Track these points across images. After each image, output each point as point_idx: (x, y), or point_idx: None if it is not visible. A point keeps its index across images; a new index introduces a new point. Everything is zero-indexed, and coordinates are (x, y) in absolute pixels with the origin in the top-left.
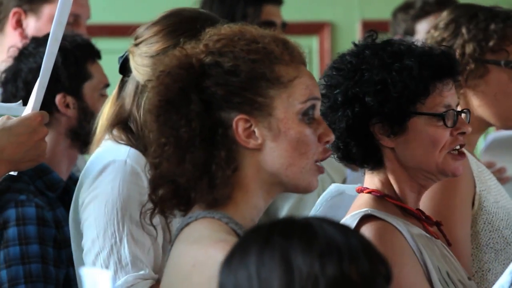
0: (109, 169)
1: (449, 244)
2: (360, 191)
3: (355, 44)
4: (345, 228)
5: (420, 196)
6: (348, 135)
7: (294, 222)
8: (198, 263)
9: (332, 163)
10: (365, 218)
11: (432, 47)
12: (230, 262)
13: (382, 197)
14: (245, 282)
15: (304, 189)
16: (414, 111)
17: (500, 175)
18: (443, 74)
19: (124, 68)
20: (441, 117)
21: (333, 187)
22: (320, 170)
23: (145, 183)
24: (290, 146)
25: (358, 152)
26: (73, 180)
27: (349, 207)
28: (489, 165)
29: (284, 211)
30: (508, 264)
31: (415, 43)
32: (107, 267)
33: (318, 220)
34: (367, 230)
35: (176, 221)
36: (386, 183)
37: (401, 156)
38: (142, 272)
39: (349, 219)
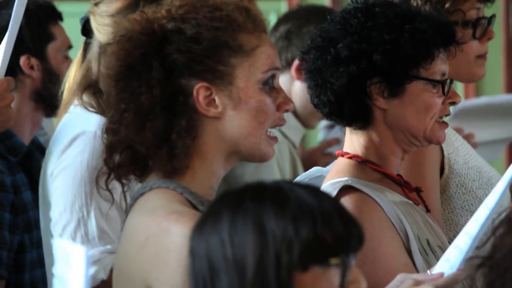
0: (79, 140)
1: (428, 210)
2: (341, 155)
3: (356, 1)
4: (316, 190)
5: (401, 161)
6: (346, 91)
7: (265, 187)
8: (151, 235)
9: (288, 123)
10: (344, 189)
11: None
12: (202, 228)
13: (363, 163)
14: (218, 248)
15: (260, 158)
16: (416, 75)
17: (468, 141)
18: (450, 41)
19: (86, 29)
20: (441, 84)
21: (314, 170)
22: (273, 139)
23: None
24: (250, 115)
25: (350, 110)
26: (35, 145)
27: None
28: (457, 131)
29: (244, 177)
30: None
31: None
32: (73, 240)
33: (288, 184)
34: (345, 202)
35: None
36: (369, 146)
37: (392, 119)
38: (108, 247)
39: (329, 188)
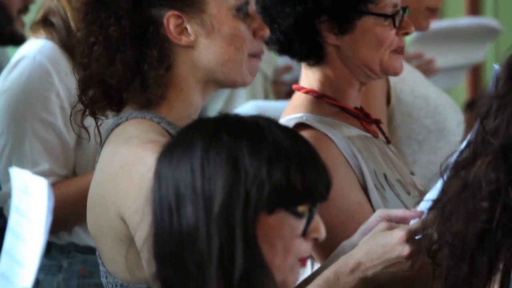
0: (19, 65)
1: (388, 141)
2: (297, 89)
3: None
4: (293, 133)
5: (359, 93)
6: (294, 31)
7: (243, 121)
8: (126, 164)
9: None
10: (299, 126)
11: None
12: (172, 152)
13: (320, 97)
14: (187, 176)
15: (241, 84)
16: (365, 10)
17: (428, 67)
18: None
19: None
20: (391, 18)
21: (251, 105)
22: (254, 66)
23: (54, 79)
24: (225, 42)
25: (301, 48)
26: None
27: None
28: (417, 56)
29: (213, 110)
30: (432, 153)
31: None
32: (10, 164)
33: (267, 121)
34: None
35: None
36: (324, 81)
37: (345, 54)
38: (41, 168)
39: (284, 123)
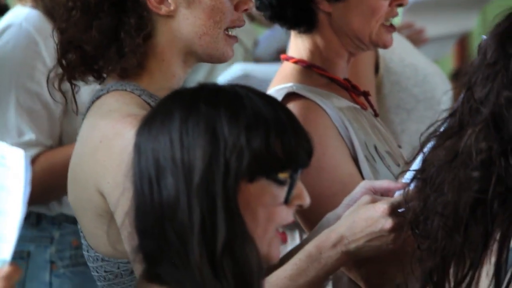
0: (5, 34)
1: (376, 114)
2: (285, 59)
3: None
4: (272, 100)
5: (348, 64)
6: None
7: (221, 91)
8: (105, 138)
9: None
10: (289, 96)
11: None
12: (150, 125)
13: (309, 67)
14: (166, 148)
15: (218, 59)
16: None
17: (418, 36)
18: None
19: None
20: None
21: (237, 68)
22: (233, 39)
23: (41, 48)
24: (205, 14)
25: (293, 13)
26: None
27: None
28: (407, 26)
29: (194, 82)
30: (421, 123)
31: None
32: None
33: (245, 90)
34: (290, 109)
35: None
36: (314, 50)
37: (336, 22)
38: (27, 138)
39: (274, 94)
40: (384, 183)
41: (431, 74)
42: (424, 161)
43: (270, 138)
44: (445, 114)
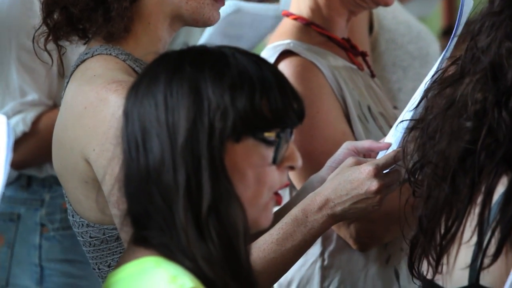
0: None
1: (373, 75)
2: (286, 15)
3: None
4: (259, 59)
5: (348, 23)
6: None
7: (206, 51)
8: (90, 105)
9: None
10: (285, 53)
11: None
12: (137, 89)
13: (308, 25)
14: (151, 110)
15: (204, 23)
16: None
17: None
18: None
19: None
20: None
21: (229, 4)
22: (220, 3)
23: (36, 6)
24: None
25: None
26: None
27: (248, 26)
28: None
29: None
30: (417, 80)
31: None
32: None
33: (231, 49)
34: (286, 67)
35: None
36: (314, 8)
37: None
38: (30, 98)
39: (270, 51)
40: (366, 143)
41: (423, 30)
42: (425, 109)
43: (255, 96)
44: (440, 64)
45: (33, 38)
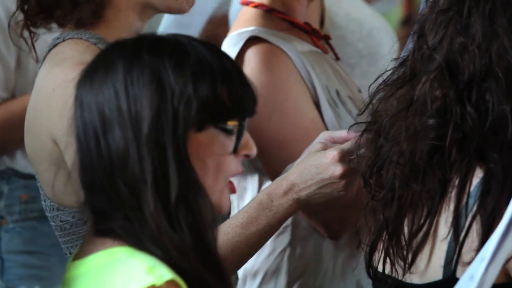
0: None
1: (337, 58)
2: (245, 3)
3: None
4: (215, 48)
5: (307, 9)
6: None
7: (162, 39)
8: (58, 86)
9: None
10: (252, 39)
11: None
12: (92, 77)
13: (269, 11)
14: (111, 99)
15: (177, 10)
16: None
17: None
18: None
19: None
20: None
21: None
22: None
23: None
24: None
25: None
26: None
27: (196, 11)
28: None
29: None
30: (364, 78)
31: None
32: None
33: (186, 38)
34: (253, 53)
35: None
36: None
37: None
38: None
39: (235, 38)
40: (342, 133)
41: (376, 28)
42: (375, 112)
43: (217, 85)
44: (393, 64)
45: (8, 25)
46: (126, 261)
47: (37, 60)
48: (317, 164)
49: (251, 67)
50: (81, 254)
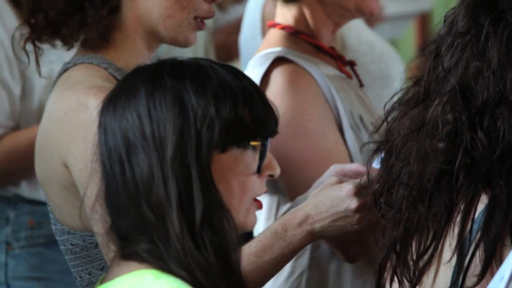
0: None
1: (361, 84)
2: (272, 26)
3: None
4: (235, 70)
5: (333, 34)
6: None
7: (183, 63)
8: (70, 110)
9: None
10: (278, 60)
11: None
12: (115, 103)
13: (295, 34)
14: (135, 124)
15: (181, 43)
16: None
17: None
18: None
19: None
20: None
21: None
22: (200, 27)
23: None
24: None
25: None
26: None
27: None
28: None
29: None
30: (377, 101)
31: None
32: None
33: (207, 61)
34: (279, 74)
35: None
36: (300, 18)
37: None
38: None
39: (262, 59)
40: (353, 166)
41: (386, 51)
42: (388, 131)
43: (239, 106)
44: (408, 84)
45: (12, 37)
46: (152, 283)
47: (40, 74)
48: (333, 197)
49: (276, 87)
50: (107, 278)
